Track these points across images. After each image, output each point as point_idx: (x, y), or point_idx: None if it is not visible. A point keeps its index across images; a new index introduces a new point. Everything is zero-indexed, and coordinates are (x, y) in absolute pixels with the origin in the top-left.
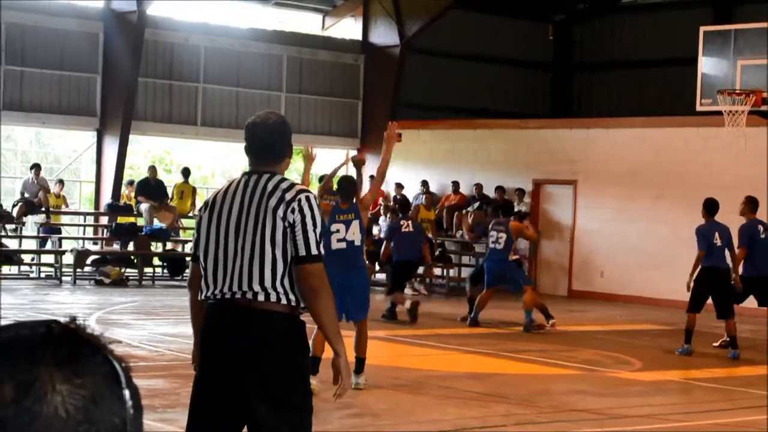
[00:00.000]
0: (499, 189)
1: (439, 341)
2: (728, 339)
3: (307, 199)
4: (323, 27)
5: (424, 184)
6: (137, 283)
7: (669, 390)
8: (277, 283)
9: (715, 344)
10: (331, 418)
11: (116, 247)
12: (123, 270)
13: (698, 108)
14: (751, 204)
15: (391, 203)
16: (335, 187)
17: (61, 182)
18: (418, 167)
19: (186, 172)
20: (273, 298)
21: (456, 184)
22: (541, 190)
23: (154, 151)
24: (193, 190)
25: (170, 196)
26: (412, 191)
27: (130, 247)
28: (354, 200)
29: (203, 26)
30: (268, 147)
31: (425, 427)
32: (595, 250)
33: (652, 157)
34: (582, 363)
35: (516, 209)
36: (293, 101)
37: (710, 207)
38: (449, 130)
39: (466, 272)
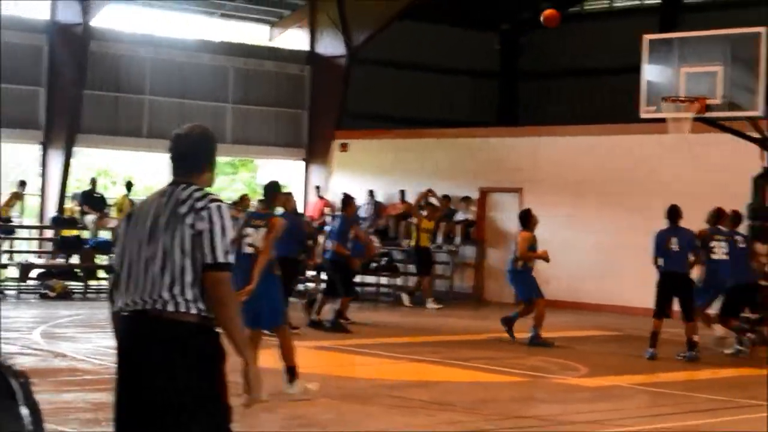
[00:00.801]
0: (445, 197)
1: (386, 350)
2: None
3: (218, 207)
4: (270, 38)
5: (371, 193)
6: (82, 296)
7: (615, 396)
8: (187, 293)
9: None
10: (277, 429)
11: (61, 260)
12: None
13: (642, 115)
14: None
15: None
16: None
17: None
18: (365, 177)
19: (129, 185)
20: (182, 307)
21: (402, 194)
22: (488, 198)
23: (100, 164)
24: (131, 203)
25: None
26: (358, 201)
27: (75, 260)
28: (272, 209)
29: (149, 38)
30: (188, 159)
31: None
32: None
33: (599, 165)
34: (528, 370)
35: (462, 218)
36: (239, 112)
37: (669, 213)
38: (396, 139)
39: (413, 281)
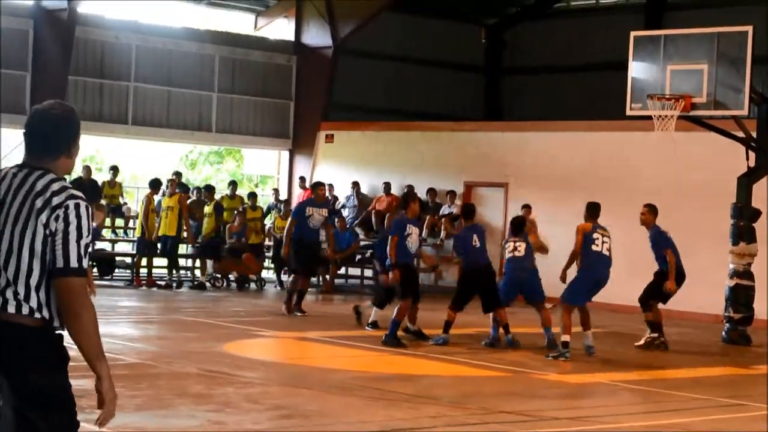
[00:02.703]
0: (431, 191)
1: (370, 342)
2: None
3: (77, 206)
4: (256, 27)
5: (355, 185)
6: None
7: (596, 392)
8: (32, 296)
9: (637, 344)
10: (261, 419)
11: None
12: None
13: (628, 112)
14: (588, 210)
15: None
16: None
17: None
18: (349, 169)
19: (115, 170)
20: (25, 310)
21: (387, 186)
22: (473, 193)
23: (85, 150)
24: (121, 187)
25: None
26: (343, 192)
27: None
28: None
29: (134, 25)
30: (44, 140)
31: (354, 428)
32: None
33: (584, 161)
34: (511, 365)
35: (447, 211)
36: (225, 101)
37: (590, 209)
38: (381, 131)
39: None
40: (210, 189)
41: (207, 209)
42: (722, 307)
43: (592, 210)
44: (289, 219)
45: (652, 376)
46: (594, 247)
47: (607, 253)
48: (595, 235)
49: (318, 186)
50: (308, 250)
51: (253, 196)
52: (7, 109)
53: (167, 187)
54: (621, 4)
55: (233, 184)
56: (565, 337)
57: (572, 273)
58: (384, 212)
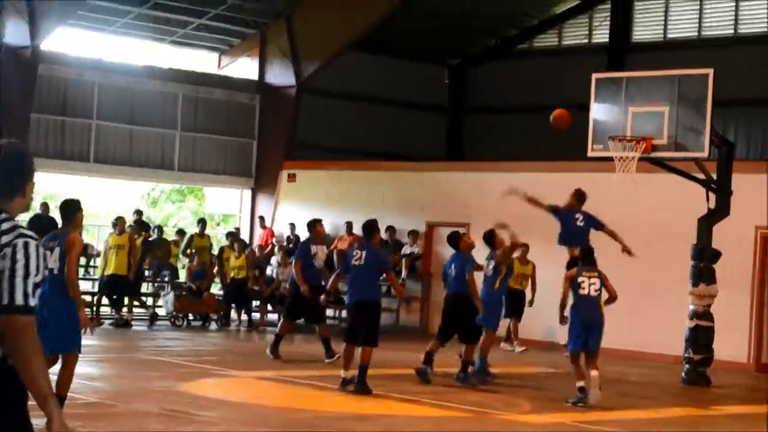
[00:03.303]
0: (390, 229)
1: (330, 382)
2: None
3: (25, 244)
4: (219, 66)
5: None
6: None
7: None
8: None
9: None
10: None
11: None
12: None
13: (589, 153)
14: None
15: (285, 243)
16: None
17: None
18: (312, 207)
19: None
20: None
21: (350, 225)
22: (434, 233)
23: (46, 188)
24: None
25: None
26: (305, 232)
27: None
28: (68, 228)
29: (97, 62)
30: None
31: None
32: None
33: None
34: (472, 405)
35: (409, 251)
36: (188, 139)
37: (580, 256)
38: (344, 171)
39: None
40: (181, 232)
41: (175, 250)
42: (683, 348)
43: (582, 256)
44: (294, 261)
45: (613, 416)
46: (581, 291)
47: (596, 294)
48: (580, 279)
49: (317, 222)
50: (312, 293)
51: (201, 221)
52: None
53: (115, 225)
54: (584, 45)
55: (202, 222)
56: (579, 383)
57: None
58: (346, 252)
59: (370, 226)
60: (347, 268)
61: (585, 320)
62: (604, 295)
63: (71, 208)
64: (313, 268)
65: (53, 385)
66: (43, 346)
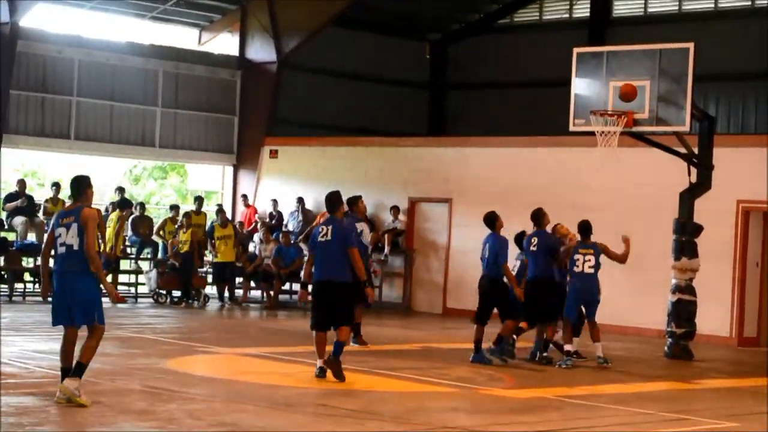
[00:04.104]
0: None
1: (314, 358)
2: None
3: None
4: (200, 42)
5: (300, 200)
6: (8, 299)
7: (542, 407)
8: None
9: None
10: None
11: None
12: None
13: (571, 128)
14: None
15: (267, 219)
16: None
17: None
18: (294, 184)
19: (57, 187)
20: None
21: None
22: (417, 208)
23: (27, 165)
24: (63, 204)
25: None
26: (287, 208)
27: (0, 262)
28: (81, 203)
29: (77, 39)
30: None
31: None
32: (470, 268)
33: (527, 177)
34: (456, 380)
35: (391, 227)
36: (169, 116)
37: (578, 228)
38: (325, 147)
39: None
40: (175, 207)
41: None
42: (665, 322)
43: (580, 229)
44: (349, 248)
45: (597, 390)
46: (575, 269)
47: (591, 271)
48: (576, 257)
49: (359, 199)
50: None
51: (199, 199)
52: None
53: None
54: (564, 20)
55: (199, 200)
56: (567, 347)
57: None
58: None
59: (332, 198)
60: (314, 245)
61: (580, 295)
62: (605, 268)
63: (83, 184)
64: (363, 245)
65: (78, 352)
66: (67, 320)
